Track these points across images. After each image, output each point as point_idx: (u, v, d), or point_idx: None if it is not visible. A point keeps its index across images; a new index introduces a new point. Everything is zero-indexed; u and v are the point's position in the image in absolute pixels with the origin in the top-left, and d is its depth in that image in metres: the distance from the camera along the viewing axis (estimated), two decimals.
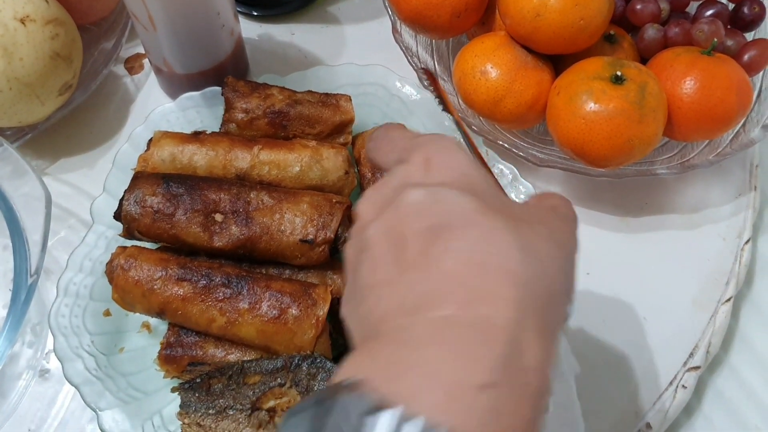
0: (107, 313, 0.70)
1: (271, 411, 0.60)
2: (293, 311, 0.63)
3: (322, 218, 0.65)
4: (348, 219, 0.67)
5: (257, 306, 0.63)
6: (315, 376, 0.59)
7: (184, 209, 0.65)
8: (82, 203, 0.77)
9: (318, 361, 0.60)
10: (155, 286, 0.63)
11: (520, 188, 0.72)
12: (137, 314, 0.70)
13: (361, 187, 0.73)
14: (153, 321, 0.70)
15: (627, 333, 0.71)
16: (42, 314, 0.69)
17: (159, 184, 0.66)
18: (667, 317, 0.72)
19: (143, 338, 0.70)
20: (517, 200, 0.72)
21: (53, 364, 0.71)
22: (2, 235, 0.71)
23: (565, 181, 0.78)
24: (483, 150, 0.74)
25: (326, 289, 0.64)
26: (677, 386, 0.69)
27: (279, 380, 0.61)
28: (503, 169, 0.73)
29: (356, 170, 0.74)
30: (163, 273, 0.63)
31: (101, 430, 0.63)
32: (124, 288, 0.64)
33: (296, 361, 0.61)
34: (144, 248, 0.65)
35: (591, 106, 0.66)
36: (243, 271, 0.64)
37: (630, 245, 0.76)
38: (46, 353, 0.71)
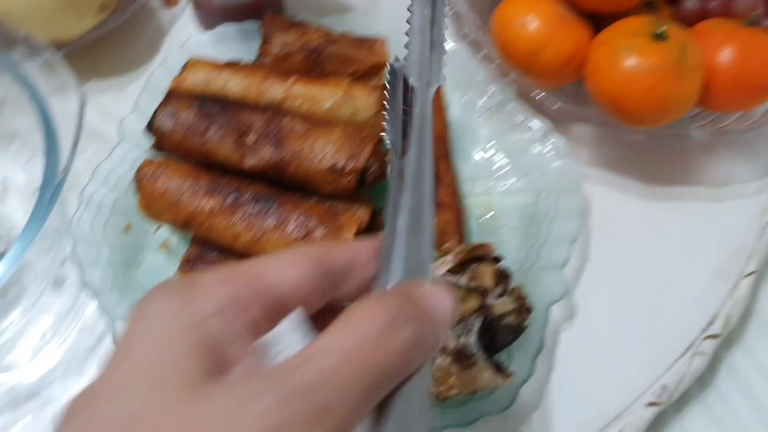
0: (128, 229, 0.69)
1: None
2: (319, 232, 0.62)
3: (353, 148, 0.65)
4: (378, 153, 0.66)
5: (284, 225, 0.62)
6: None
7: (217, 127, 0.65)
8: (108, 125, 0.76)
9: None
10: (183, 198, 0.63)
11: (551, 143, 0.72)
12: (157, 233, 0.70)
13: None
14: (172, 242, 0.70)
15: (647, 297, 0.71)
16: (62, 224, 0.68)
17: (193, 101, 0.66)
18: (688, 285, 0.71)
19: (162, 257, 0.69)
20: (545, 157, 0.72)
21: (69, 273, 0.70)
22: (28, 145, 0.71)
23: (595, 144, 0.78)
24: (515, 105, 0.74)
25: (352, 216, 0.63)
26: (694, 352, 0.69)
27: None
28: (536, 124, 0.73)
29: None
30: (192, 185, 0.63)
31: (114, 339, 0.62)
32: (151, 197, 0.63)
33: None
34: (174, 160, 0.65)
35: (632, 60, 0.66)
36: (272, 191, 0.64)
37: (654, 213, 0.75)
38: (63, 263, 0.70)
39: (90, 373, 0.66)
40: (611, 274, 0.71)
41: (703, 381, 0.70)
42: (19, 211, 0.56)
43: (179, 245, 0.70)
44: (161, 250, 0.69)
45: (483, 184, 0.73)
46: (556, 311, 0.66)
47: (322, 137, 0.65)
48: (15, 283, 0.67)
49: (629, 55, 0.66)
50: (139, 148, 0.71)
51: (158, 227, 0.70)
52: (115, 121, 0.76)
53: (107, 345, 0.67)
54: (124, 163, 0.71)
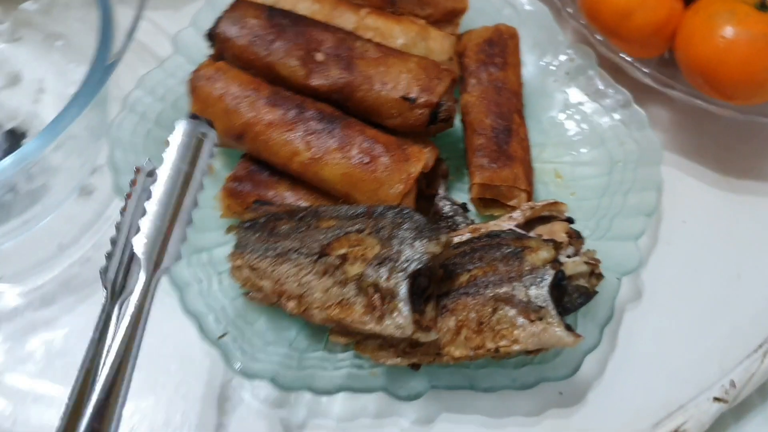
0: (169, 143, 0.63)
1: (343, 258, 0.53)
2: (384, 160, 0.57)
3: (428, 80, 0.60)
4: (452, 93, 0.62)
5: (347, 147, 0.57)
6: (400, 225, 0.53)
7: (285, 39, 0.60)
8: (161, 42, 0.71)
9: (405, 212, 0.54)
10: (241, 105, 0.57)
11: (630, 113, 0.67)
12: None
13: (462, 79, 0.68)
14: (216, 163, 0.64)
15: (718, 287, 0.65)
16: (97, 131, 0.63)
17: (262, 10, 0.61)
18: (762, 281, 0.66)
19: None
20: (623, 127, 0.67)
21: (99, 182, 0.64)
22: (71, 50, 0.67)
23: (672, 129, 0.74)
24: (595, 72, 0.69)
25: (421, 150, 0.58)
26: (766, 351, 0.63)
27: (358, 226, 0.54)
28: (616, 93, 0.68)
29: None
30: (253, 93, 0.58)
31: None
32: (206, 101, 0.58)
33: (380, 209, 0.54)
34: (235, 67, 0.60)
35: (731, 28, 0.62)
36: (337, 112, 0.59)
37: (729, 204, 0.70)
38: (93, 172, 0.64)
39: None
40: (681, 259, 0.66)
41: (764, 390, 0.65)
42: (51, 114, 0.51)
43: (223, 169, 0.64)
44: None
45: (553, 150, 0.68)
46: (623, 290, 0.60)
47: (397, 65, 0.60)
48: (43, 189, 0.61)
49: (729, 23, 0.62)
50: (191, 63, 0.66)
51: None
52: (168, 39, 0.72)
53: None
54: (174, 75, 0.66)
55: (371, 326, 0.51)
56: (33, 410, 0.55)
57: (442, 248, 0.52)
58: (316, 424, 0.56)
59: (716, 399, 0.60)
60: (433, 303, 0.53)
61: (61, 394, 0.49)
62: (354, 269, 0.52)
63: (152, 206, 0.46)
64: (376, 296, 0.51)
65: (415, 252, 0.51)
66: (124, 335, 0.42)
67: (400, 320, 0.50)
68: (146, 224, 0.44)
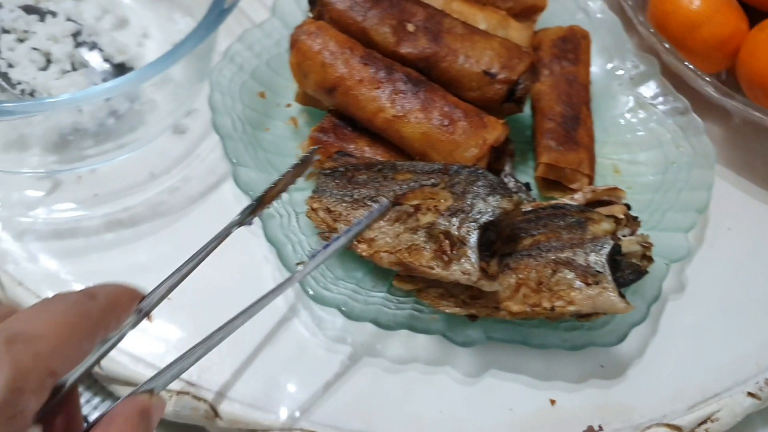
0: (262, 95, 0.69)
1: (416, 207, 0.57)
2: (463, 124, 0.61)
3: (509, 59, 0.64)
4: (529, 76, 0.66)
5: (429, 108, 0.61)
6: (474, 182, 0.57)
7: (380, 8, 0.65)
8: (257, 9, 0.77)
9: (480, 171, 0.58)
10: (337, 61, 0.62)
11: (688, 119, 0.71)
12: (287, 108, 0.69)
13: (535, 69, 0.72)
14: (300, 120, 0.69)
15: (758, 293, 0.68)
16: (195, 78, 0.68)
17: None
18: None
19: (288, 130, 0.69)
20: (681, 131, 0.71)
21: (193, 123, 0.69)
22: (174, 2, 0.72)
23: (724, 145, 0.77)
24: (657, 79, 0.73)
25: (498, 120, 0.62)
26: None
27: (432, 180, 0.58)
28: (676, 101, 0.72)
29: None
30: (348, 52, 0.63)
31: (236, 180, 0.61)
32: (305, 54, 0.63)
33: (456, 167, 0.59)
34: (333, 28, 0.64)
35: None
36: (423, 77, 0.63)
37: None
38: (188, 113, 0.69)
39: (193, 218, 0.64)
40: (724, 262, 0.69)
41: None
42: (154, 57, 0.56)
43: (305, 126, 0.69)
44: (289, 124, 0.68)
45: (613, 147, 0.72)
46: (668, 281, 0.63)
47: (481, 42, 0.65)
48: (141, 121, 0.66)
49: None
50: (287, 28, 0.71)
51: (288, 104, 0.69)
52: (263, 6, 0.77)
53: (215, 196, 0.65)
54: (271, 36, 0.71)
55: (438, 271, 0.54)
56: None
57: (514, 206, 0.56)
58: (372, 362, 0.59)
59: (750, 394, 0.63)
60: (497, 258, 0.56)
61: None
62: (426, 218, 0.56)
63: None
64: (446, 243, 0.54)
65: (488, 205, 0.55)
66: None
67: (467, 266, 0.53)
68: None
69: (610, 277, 0.55)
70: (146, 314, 0.44)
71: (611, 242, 0.57)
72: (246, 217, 0.51)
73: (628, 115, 0.74)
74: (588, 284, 0.55)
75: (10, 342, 0.33)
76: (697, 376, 0.63)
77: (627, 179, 0.70)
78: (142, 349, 0.58)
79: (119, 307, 0.41)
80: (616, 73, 0.76)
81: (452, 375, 0.60)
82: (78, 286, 0.43)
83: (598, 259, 0.56)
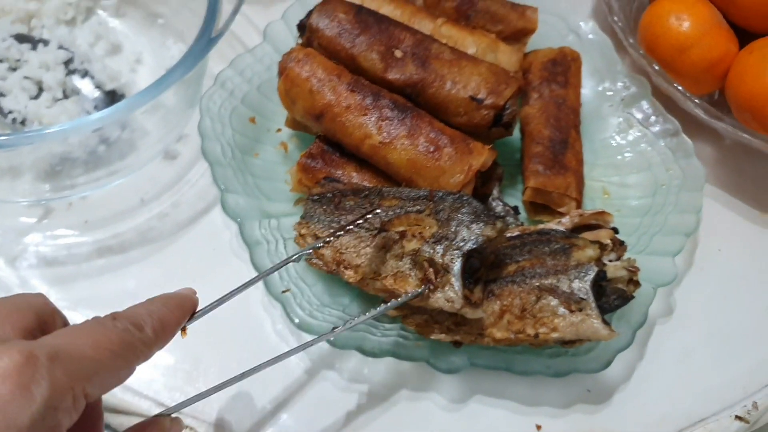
0: (252, 120, 0.69)
1: (401, 234, 0.58)
2: (449, 150, 0.62)
3: (496, 84, 0.65)
4: (516, 100, 0.66)
5: (416, 135, 0.62)
6: (459, 209, 0.57)
7: (369, 35, 0.65)
8: (250, 34, 0.78)
9: (465, 197, 0.58)
10: (324, 88, 0.63)
11: (678, 141, 0.71)
12: (277, 133, 0.70)
13: (525, 93, 0.73)
14: (291, 144, 0.70)
15: (747, 317, 0.68)
16: (186, 103, 0.68)
17: (352, 7, 0.67)
18: None
19: (278, 155, 0.69)
20: (670, 153, 0.71)
21: (183, 148, 0.70)
22: (169, 29, 0.72)
23: (715, 165, 0.77)
24: (648, 101, 0.73)
25: (483, 146, 0.63)
26: None
27: (418, 207, 0.59)
28: (666, 123, 0.72)
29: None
30: (336, 79, 0.63)
31: (223, 206, 0.62)
32: (294, 81, 0.63)
33: (441, 194, 0.59)
34: (321, 55, 0.65)
35: None
36: (409, 103, 0.64)
37: (764, 238, 0.73)
38: (179, 139, 0.70)
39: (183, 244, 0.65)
40: (713, 284, 0.70)
41: None
42: (146, 83, 0.57)
43: (295, 150, 0.69)
44: (279, 149, 0.69)
45: (602, 170, 0.73)
46: (655, 304, 0.63)
47: (469, 68, 0.65)
48: (131, 147, 0.66)
49: None
50: (278, 53, 0.71)
51: (278, 128, 0.70)
52: (256, 32, 0.78)
53: (204, 222, 0.66)
54: (262, 61, 0.72)
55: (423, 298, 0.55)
56: None
57: (497, 233, 0.56)
58: (357, 389, 0.60)
59: (738, 418, 0.63)
60: (481, 285, 0.57)
61: None
62: (411, 245, 0.57)
63: None
64: (431, 270, 0.55)
65: (471, 233, 0.56)
66: None
67: (451, 293, 0.54)
68: None
69: (593, 304, 0.56)
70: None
71: (595, 269, 0.57)
72: None
73: (618, 137, 0.74)
74: (572, 311, 0.56)
75: (53, 359, 0.34)
76: (684, 400, 0.63)
77: (616, 202, 0.71)
78: (131, 380, 0.58)
79: (162, 341, 0.43)
80: (607, 94, 0.76)
81: (437, 401, 0.60)
82: (69, 313, 0.44)
83: (581, 285, 0.57)
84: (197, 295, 0.47)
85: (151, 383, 0.59)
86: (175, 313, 0.44)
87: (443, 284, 0.54)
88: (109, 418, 0.57)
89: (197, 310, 0.47)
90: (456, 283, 0.54)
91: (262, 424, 0.58)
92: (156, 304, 0.43)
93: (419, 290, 0.54)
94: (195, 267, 0.64)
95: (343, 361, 0.61)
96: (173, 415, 0.47)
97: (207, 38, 0.59)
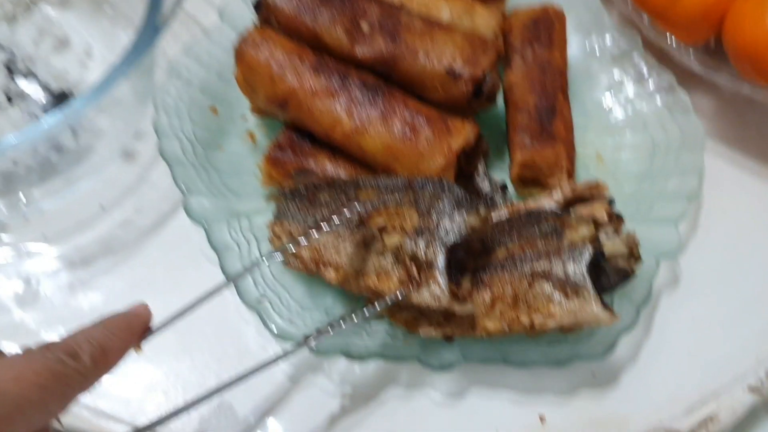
0: (213, 110, 0.65)
1: (381, 228, 0.53)
2: (426, 133, 0.57)
3: (473, 54, 0.60)
4: (496, 69, 0.61)
5: (389, 119, 0.57)
6: (439, 197, 0.53)
7: (332, 9, 0.60)
8: (207, 13, 0.72)
9: (445, 184, 0.54)
10: (286, 72, 0.58)
11: (675, 97, 0.66)
12: (243, 122, 0.65)
13: (506, 57, 0.68)
14: (258, 134, 0.65)
15: (758, 279, 0.64)
16: (142, 95, 0.63)
17: None
18: None
19: (245, 146, 0.64)
20: (667, 111, 0.66)
21: (142, 146, 0.65)
22: (118, 17, 0.67)
23: (715, 117, 0.72)
24: (639, 55, 0.68)
25: (464, 124, 0.58)
26: None
27: (397, 197, 0.54)
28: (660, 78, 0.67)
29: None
30: (297, 61, 0.58)
31: (187, 211, 0.57)
32: (251, 66, 0.58)
33: (420, 181, 0.54)
34: (281, 35, 0.60)
35: None
36: (380, 82, 0.59)
37: None
38: (136, 136, 0.65)
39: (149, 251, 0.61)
40: (721, 248, 0.65)
41: None
42: (98, 78, 0.52)
43: (264, 138, 0.65)
44: (245, 139, 0.64)
45: (595, 133, 0.68)
46: (660, 275, 0.59)
47: (442, 38, 0.60)
48: (87, 150, 0.62)
49: None
50: (237, 33, 0.66)
51: (243, 116, 0.65)
52: (213, 10, 0.72)
53: (171, 226, 0.62)
54: (220, 44, 0.67)
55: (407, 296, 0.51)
56: None
57: (481, 221, 0.52)
58: (348, 392, 0.56)
59: (751, 389, 0.59)
60: (469, 276, 0.53)
61: None
62: (392, 240, 0.52)
63: None
64: (414, 267, 0.51)
65: (454, 224, 0.51)
66: None
67: (436, 290, 0.50)
68: None
69: (591, 288, 0.52)
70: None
71: (591, 249, 0.53)
72: None
73: (610, 96, 0.69)
74: (568, 297, 0.52)
75: None
76: (694, 375, 0.59)
77: (611, 167, 0.66)
78: (104, 404, 0.55)
79: (104, 368, 0.39)
80: (595, 50, 0.71)
81: (432, 397, 0.57)
82: (32, 338, 0.40)
83: (577, 268, 0.52)
84: (150, 309, 0.45)
85: (127, 405, 0.55)
86: (119, 336, 0.41)
87: (428, 280, 0.50)
88: None
89: (161, 323, 0.44)
90: (441, 279, 0.50)
91: None
92: (97, 329, 0.40)
93: (401, 294, 0.50)
94: (165, 275, 0.60)
95: (331, 363, 0.57)
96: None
97: (152, 26, 0.54)
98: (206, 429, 0.54)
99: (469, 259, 0.53)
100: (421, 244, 0.51)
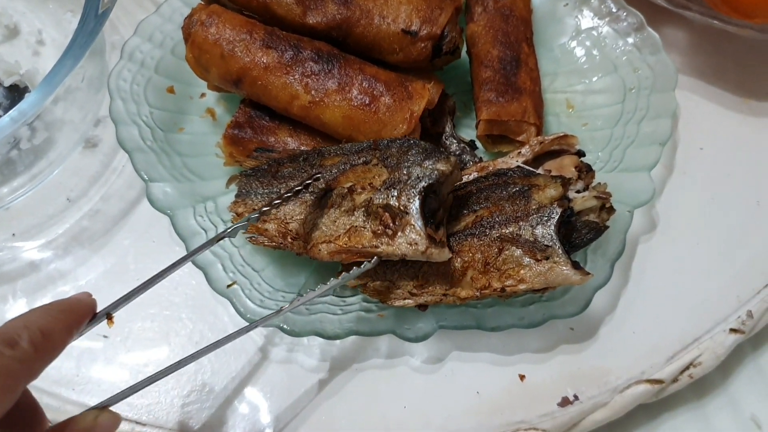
0: (171, 90, 0.63)
1: (350, 189, 0.52)
2: (386, 100, 0.55)
3: (430, 11, 0.58)
4: (455, 23, 0.59)
5: (347, 88, 0.55)
6: (407, 152, 0.52)
7: None
8: None
9: (412, 140, 0.53)
10: (237, 49, 0.56)
11: (643, 37, 0.64)
12: (201, 99, 0.63)
13: (467, 7, 0.65)
14: (218, 110, 0.64)
15: (736, 215, 0.63)
16: (99, 81, 0.62)
17: None
18: None
19: (206, 124, 0.63)
20: (636, 51, 0.64)
21: (104, 133, 0.64)
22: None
23: (689, 51, 0.70)
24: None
25: (424, 85, 0.56)
26: None
27: (364, 159, 0.53)
28: (629, 17, 0.65)
29: None
30: (247, 36, 0.56)
31: (149, 200, 0.56)
32: (201, 47, 0.56)
33: (386, 142, 0.53)
34: (229, 9, 0.58)
35: None
36: (335, 50, 0.57)
37: (749, 128, 0.68)
38: (97, 123, 0.64)
39: (119, 240, 0.60)
40: (698, 188, 0.64)
41: None
42: (51, 66, 0.51)
43: (225, 114, 0.63)
44: (206, 116, 0.63)
45: (564, 79, 0.66)
46: (636, 221, 0.59)
47: None
48: (47, 143, 0.61)
49: None
50: (188, 6, 0.64)
51: (202, 94, 0.64)
52: None
53: (138, 212, 0.61)
54: (172, 20, 0.65)
55: (383, 248, 0.50)
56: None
57: (451, 167, 0.51)
58: (327, 366, 0.56)
59: (733, 330, 0.59)
60: (443, 228, 0.52)
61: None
62: (362, 197, 0.51)
63: None
64: (387, 216, 0.50)
65: (424, 170, 0.50)
66: None
67: (413, 235, 0.49)
68: None
69: (560, 250, 0.51)
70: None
71: (558, 210, 0.52)
72: None
73: (578, 39, 0.67)
74: (537, 260, 0.51)
75: None
76: (675, 322, 0.59)
77: (582, 114, 0.65)
78: (90, 398, 0.55)
79: (48, 352, 0.38)
80: None
81: (411, 364, 0.57)
82: None
83: (545, 231, 0.52)
84: (93, 297, 0.43)
85: (98, 387, 0.55)
86: (61, 318, 0.39)
87: (403, 227, 0.49)
88: None
89: (121, 298, 0.44)
90: (417, 222, 0.49)
91: (226, 419, 0.55)
92: (35, 313, 0.39)
93: (376, 259, 0.50)
94: (137, 263, 0.59)
95: (310, 339, 0.57)
96: (111, 408, 0.43)
97: (93, 17, 0.52)
98: (186, 419, 0.55)
99: (441, 211, 0.52)
100: (393, 193, 0.50)
